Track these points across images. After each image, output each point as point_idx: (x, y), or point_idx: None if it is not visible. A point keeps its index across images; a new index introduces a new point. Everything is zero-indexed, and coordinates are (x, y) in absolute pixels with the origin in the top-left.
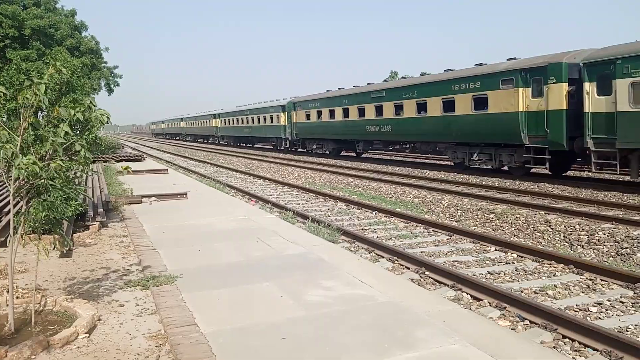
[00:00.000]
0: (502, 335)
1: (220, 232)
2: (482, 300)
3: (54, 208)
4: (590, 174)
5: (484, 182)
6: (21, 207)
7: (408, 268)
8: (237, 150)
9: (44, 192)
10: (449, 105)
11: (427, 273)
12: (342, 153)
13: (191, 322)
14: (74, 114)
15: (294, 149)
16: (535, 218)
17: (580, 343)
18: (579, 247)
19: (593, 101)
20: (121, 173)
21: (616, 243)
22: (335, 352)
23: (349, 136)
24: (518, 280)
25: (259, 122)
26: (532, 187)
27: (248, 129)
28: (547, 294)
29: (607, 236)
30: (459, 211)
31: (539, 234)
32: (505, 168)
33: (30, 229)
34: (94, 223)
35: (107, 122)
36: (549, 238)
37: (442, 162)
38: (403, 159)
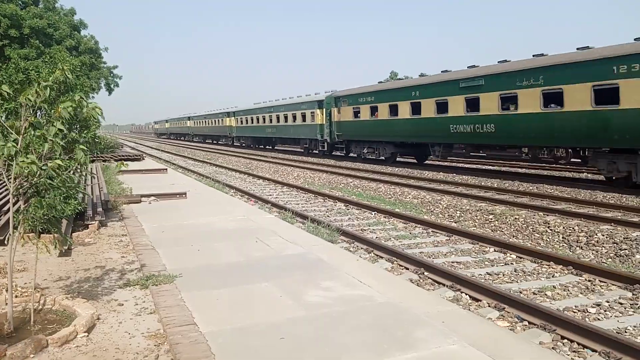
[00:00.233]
0: (501, 335)
1: (219, 232)
2: (481, 300)
3: (53, 207)
4: (589, 175)
5: (482, 183)
6: (20, 205)
7: (407, 268)
8: (237, 150)
9: (43, 191)
10: (605, 95)
11: (426, 274)
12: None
13: (190, 322)
14: (64, 108)
15: (332, 153)
16: (534, 219)
17: (579, 344)
18: (577, 248)
19: None
20: (120, 172)
21: (615, 244)
22: (334, 352)
23: (421, 138)
24: (517, 281)
25: (286, 121)
26: (530, 188)
27: (272, 129)
28: (546, 294)
29: (606, 237)
30: (458, 212)
31: (538, 235)
32: None
33: (29, 227)
34: (93, 222)
35: (100, 115)
36: (548, 239)
37: (595, 178)
38: (511, 168)
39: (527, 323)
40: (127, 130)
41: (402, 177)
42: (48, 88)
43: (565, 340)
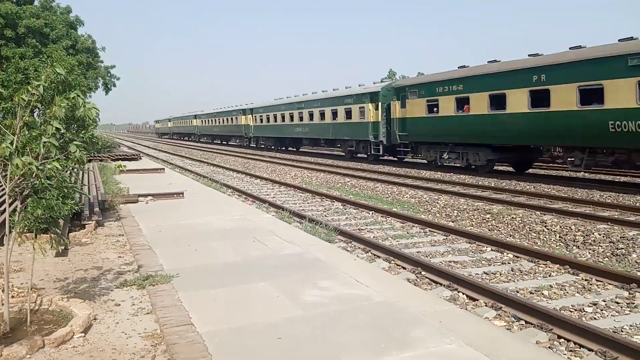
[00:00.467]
0: (498, 335)
1: (216, 232)
2: (478, 300)
3: (49, 207)
4: (586, 174)
5: (480, 183)
6: (17, 206)
7: (404, 268)
8: (236, 150)
9: (40, 191)
10: None
11: (423, 273)
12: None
13: (187, 322)
14: (59, 107)
15: (382, 157)
16: (531, 218)
17: (575, 343)
18: (574, 247)
19: None
20: (116, 171)
21: (612, 244)
22: (332, 351)
23: (548, 140)
24: (514, 281)
25: (322, 119)
26: (528, 187)
27: (302, 128)
28: (542, 294)
29: (603, 237)
30: (455, 211)
31: (535, 235)
32: None
33: (26, 227)
34: (90, 222)
35: (96, 116)
36: (545, 238)
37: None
38: None
39: (523, 322)
40: (124, 130)
41: (399, 176)
42: (41, 86)
43: (562, 340)
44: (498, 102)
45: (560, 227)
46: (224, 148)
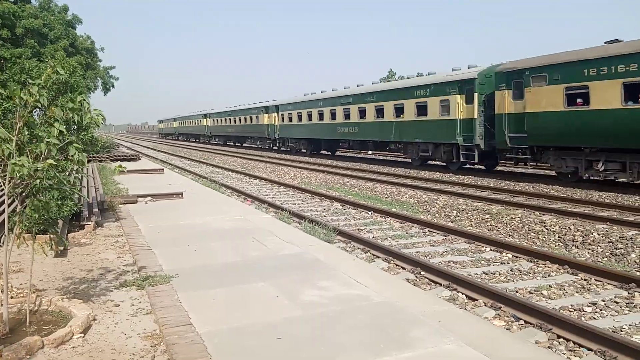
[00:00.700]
0: (497, 335)
1: (216, 232)
2: (477, 300)
3: (49, 208)
4: (585, 175)
5: (479, 183)
6: (16, 206)
7: (404, 268)
8: (234, 150)
9: (39, 192)
10: None
11: (422, 273)
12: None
13: (187, 322)
14: (72, 115)
15: (474, 165)
16: (530, 218)
17: (574, 343)
18: (573, 247)
19: None
20: (116, 172)
21: (610, 243)
22: (331, 351)
23: None
24: (513, 281)
25: (378, 117)
26: (527, 187)
27: (348, 128)
28: (542, 294)
29: (602, 236)
30: (454, 211)
31: (534, 235)
32: None
33: (25, 228)
34: (89, 223)
35: (103, 122)
36: (544, 238)
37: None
38: None
39: (523, 322)
40: (123, 130)
41: (398, 176)
42: (38, 86)
43: (561, 340)
44: None
45: (560, 227)
46: (229, 149)
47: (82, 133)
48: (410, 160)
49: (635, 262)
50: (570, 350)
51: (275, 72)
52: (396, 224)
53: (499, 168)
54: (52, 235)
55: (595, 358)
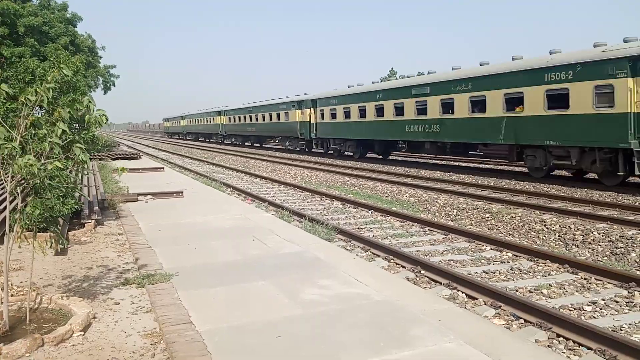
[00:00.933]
0: (497, 334)
1: (216, 231)
2: (477, 299)
3: (50, 206)
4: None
5: (479, 182)
6: (17, 204)
7: (404, 267)
8: (234, 149)
9: (40, 190)
10: None
11: (422, 272)
12: None
13: (187, 320)
14: (77, 116)
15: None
16: (530, 217)
17: (574, 342)
18: (573, 246)
19: None
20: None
21: (611, 243)
22: (331, 350)
23: None
24: (513, 280)
25: (473, 111)
26: (527, 186)
27: (427, 126)
28: (542, 293)
29: (602, 236)
30: (454, 210)
31: (534, 234)
32: None
33: (26, 226)
34: (90, 221)
35: (106, 122)
36: (544, 237)
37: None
38: None
39: (523, 321)
40: (124, 129)
41: (399, 175)
42: (51, 90)
43: (561, 339)
44: None
45: (560, 226)
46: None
47: (84, 132)
48: (527, 170)
49: (636, 261)
50: (570, 349)
51: (275, 72)
52: (396, 222)
53: None
54: (52, 234)
55: (595, 357)
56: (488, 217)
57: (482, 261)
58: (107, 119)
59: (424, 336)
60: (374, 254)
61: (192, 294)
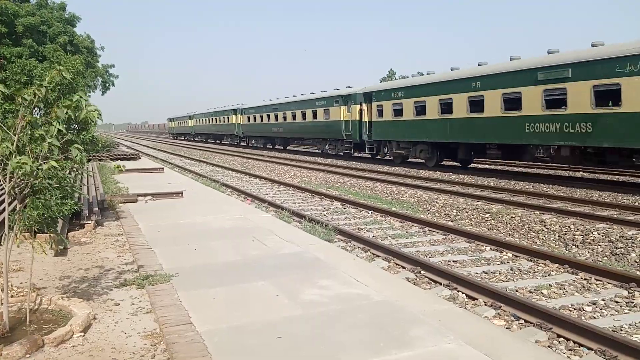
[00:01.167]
0: (497, 334)
1: (216, 231)
2: (477, 299)
3: (49, 207)
4: (584, 174)
5: (479, 182)
6: (16, 205)
7: (404, 267)
8: (232, 149)
9: (39, 191)
10: None
11: (422, 272)
12: None
13: (187, 321)
14: (66, 112)
15: None
16: (530, 218)
17: (574, 342)
18: (573, 246)
19: None
20: (116, 171)
21: (611, 243)
22: (331, 350)
23: None
24: (513, 280)
25: None
26: (527, 187)
27: (567, 124)
28: (542, 293)
29: (602, 236)
30: (454, 211)
31: (534, 234)
32: None
33: (25, 227)
34: (89, 222)
35: (99, 118)
36: (544, 238)
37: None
38: None
39: (523, 322)
40: (123, 130)
41: (398, 176)
42: (44, 87)
43: (561, 339)
44: None
45: (560, 226)
46: (223, 148)
47: (83, 133)
48: None
49: (635, 261)
50: (570, 350)
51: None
52: (396, 223)
53: None
54: (52, 234)
55: (595, 357)
56: (488, 218)
57: (482, 261)
58: (99, 115)
59: (424, 337)
60: (373, 254)
61: (192, 295)
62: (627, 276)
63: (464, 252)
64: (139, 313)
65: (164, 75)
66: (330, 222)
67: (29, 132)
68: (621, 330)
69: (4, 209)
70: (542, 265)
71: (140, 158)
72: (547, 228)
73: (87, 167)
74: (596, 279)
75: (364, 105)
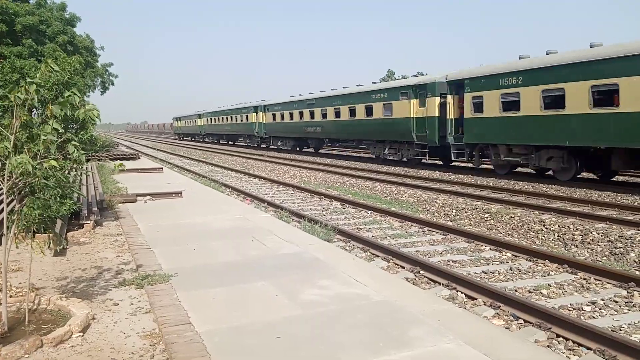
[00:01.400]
0: (497, 334)
1: (215, 231)
2: (476, 299)
3: (48, 207)
4: (584, 174)
5: (478, 182)
6: (14, 205)
7: (403, 267)
8: (232, 149)
9: (38, 190)
10: None
11: (422, 272)
12: None
13: (186, 321)
14: (61, 109)
15: None
16: (529, 218)
17: (574, 342)
18: (573, 246)
19: None
20: (116, 171)
21: (610, 243)
22: (330, 350)
23: None
24: (512, 280)
25: None
26: (526, 187)
27: None
28: (541, 293)
29: (601, 236)
30: (453, 210)
31: (533, 234)
32: None
33: (24, 227)
34: (88, 222)
35: (97, 117)
36: (543, 237)
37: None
38: None
39: (522, 321)
40: (122, 130)
41: (398, 176)
42: (34, 85)
43: (561, 339)
44: None
45: (559, 226)
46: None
47: (81, 132)
48: None
49: (635, 261)
50: (569, 349)
51: (275, 72)
52: (395, 223)
53: None
54: (50, 234)
55: (594, 357)
56: (487, 217)
57: (482, 261)
58: (98, 114)
59: (423, 337)
60: (373, 254)
61: (191, 295)
62: (626, 276)
63: (463, 252)
64: (138, 313)
65: (164, 75)
66: (329, 222)
67: (25, 132)
68: (620, 330)
69: (2, 209)
70: (542, 265)
71: (139, 158)
72: (546, 228)
73: (86, 167)
74: (595, 279)
75: (450, 98)
